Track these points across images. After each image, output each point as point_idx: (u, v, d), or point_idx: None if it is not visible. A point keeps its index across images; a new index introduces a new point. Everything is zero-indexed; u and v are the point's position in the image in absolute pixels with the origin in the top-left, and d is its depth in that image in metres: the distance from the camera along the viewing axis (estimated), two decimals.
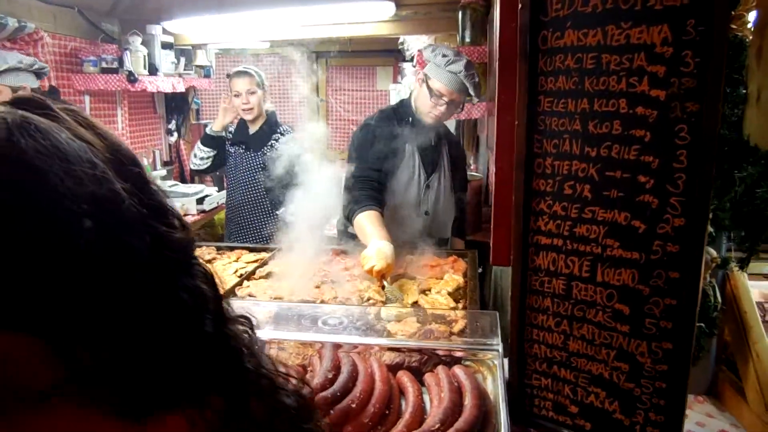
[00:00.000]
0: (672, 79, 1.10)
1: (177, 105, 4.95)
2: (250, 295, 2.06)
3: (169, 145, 4.92)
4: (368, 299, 2.03)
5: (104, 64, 3.63)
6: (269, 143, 3.22)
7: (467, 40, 3.64)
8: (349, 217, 2.42)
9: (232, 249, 2.63)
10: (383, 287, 2.06)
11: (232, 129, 3.34)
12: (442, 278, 2.27)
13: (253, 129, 3.26)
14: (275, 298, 2.04)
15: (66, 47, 3.59)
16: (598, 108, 1.19)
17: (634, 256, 1.20)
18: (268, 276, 2.28)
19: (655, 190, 1.15)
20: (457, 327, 1.70)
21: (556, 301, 1.32)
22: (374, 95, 6.58)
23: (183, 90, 4.15)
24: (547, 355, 1.39)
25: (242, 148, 3.26)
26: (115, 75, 3.63)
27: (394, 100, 5.62)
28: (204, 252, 2.57)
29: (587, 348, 1.31)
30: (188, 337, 0.53)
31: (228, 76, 3.19)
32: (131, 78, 3.52)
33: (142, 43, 3.73)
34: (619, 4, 1.13)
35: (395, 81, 6.07)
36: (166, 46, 3.95)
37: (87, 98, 3.77)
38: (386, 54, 6.32)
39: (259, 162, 3.20)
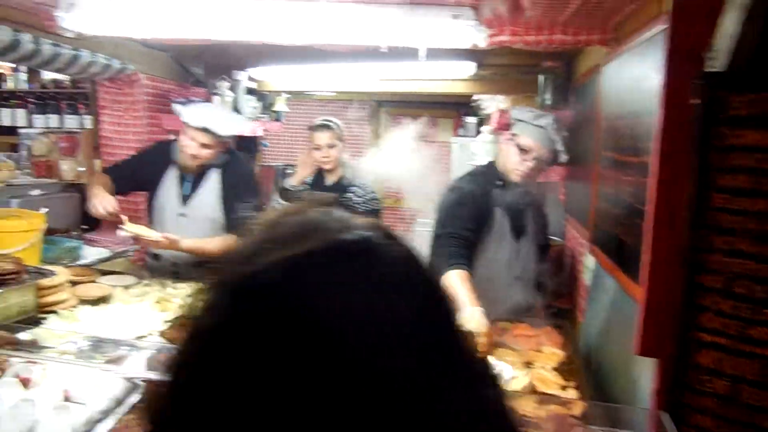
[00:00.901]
0: None
1: (246, 146, 5.06)
2: None
3: None
4: None
5: None
6: (346, 196, 3.21)
7: (547, 103, 3.67)
8: (437, 268, 2.40)
9: None
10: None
11: (309, 180, 3.35)
12: (539, 350, 2.23)
13: (330, 180, 3.28)
14: None
15: (159, 89, 3.72)
16: None
17: None
18: None
19: None
20: (577, 410, 1.65)
21: (718, 402, 1.27)
22: (434, 146, 6.62)
23: (262, 134, 4.24)
24: None
25: None
26: None
27: (456, 153, 5.72)
28: None
29: None
30: None
31: (310, 128, 3.24)
32: None
33: (228, 89, 3.85)
34: None
35: (456, 134, 6.12)
36: (249, 91, 4.07)
37: (172, 138, 3.87)
38: (448, 106, 6.40)
39: None
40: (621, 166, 2.10)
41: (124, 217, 2.66)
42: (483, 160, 3.94)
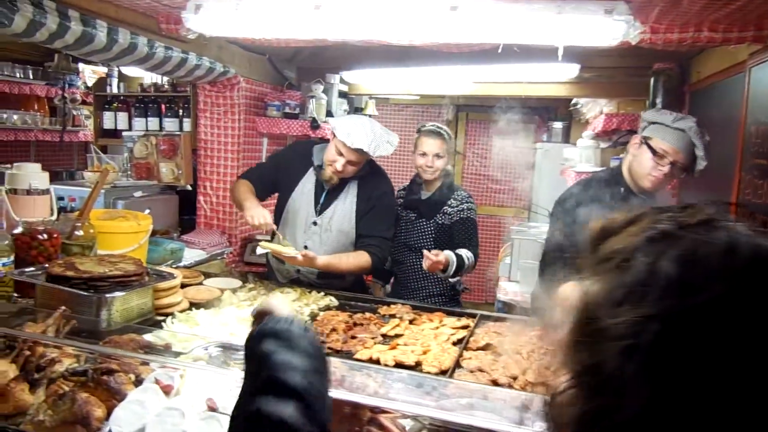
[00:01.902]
0: None
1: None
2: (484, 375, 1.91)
3: None
4: None
5: (287, 110, 3.73)
6: (442, 210, 2.97)
7: (660, 107, 3.45)
8: (551, 283, 2.25)
9: (431, 311, 2.52)
10: None
11: (402, 188, 3.19)
12: None
13: (427, 193, 3.03)
14: None
15: (255, 91, 3.73)
16: None
17: None
18: (486, 348, 2.14)
19: None
20: None
21: None
22: (513, 152, 6.45)
23: None
24: None
25: (414, 214, 3.02)
26: (296, 120, 3.72)
27: (539, 160, 5.52)
28: (401, 311, 2.48)
29: None
30: None
31: (418, 131, 3.01)
32: (314, 124, 3.59)
33: (322, 92, 3.82)
34: None
35: (538, 140, 5.92)
36: (341, 94, 4.04)
37: (265, 140, 3.88)
38: (529, 111, 6.21)
39: (431, 229, 2.98)
40: None
41: (276, 231, 2.72)
42: (583, 167, 3.78)
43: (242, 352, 1.63)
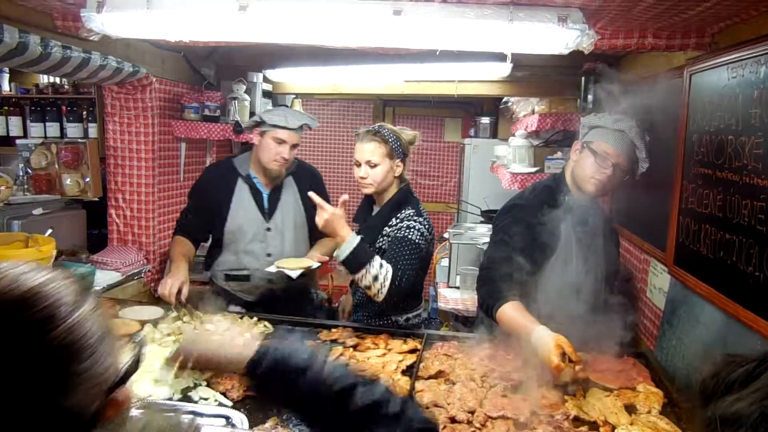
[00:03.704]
0: None
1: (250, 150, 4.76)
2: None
3: None
4: (573, 419, 1.76)
5: (207, 112, 3.43)
6: (383, 232, 2.50)
7: (590, 106, 3.45)
8: (490, 308, 2.16)
9: (375, 333, 2.36)
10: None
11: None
12: (633, 388, 2.00)
13: (376, 208, 2.62)
14: None
15: (170, 92, 3.40)
16: None
17: None
18: (438, 375, 2.01)
19: None
20: None
21: None
22: (441, 147, 6.40)
23: None
24: None
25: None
26: (216, 123, 3.43)
27: (468, 155, 5.48)
28: (343, 335, 2.31)
29: None
30: None
31: (357, 136, 2.55)
32: (237, 128, 3.32)
33: (245, 92, 3.54)
34: None
35: (466, 135, 5.88)
36: (264, 94, 3.77)
37: (183, 145, 3.56)
38: (455, 106, 6.17)
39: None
40: (722, 184, 1.89)
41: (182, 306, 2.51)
42: (518, 167, 3.73)
43: (170, 413, 1.40)
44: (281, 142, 2.66)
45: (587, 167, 2.31)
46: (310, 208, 2.63)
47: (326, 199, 2.54)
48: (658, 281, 2.54)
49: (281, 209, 2.84)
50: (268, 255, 2.77)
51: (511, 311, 2.06)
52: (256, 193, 2.83)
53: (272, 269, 2.57)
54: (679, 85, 2.31)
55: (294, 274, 2.53)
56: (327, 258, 2.75)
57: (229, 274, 2.87)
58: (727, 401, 0.53)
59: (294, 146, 2.72)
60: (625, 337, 2.51)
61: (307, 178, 2.90)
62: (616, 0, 1.56)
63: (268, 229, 2.81)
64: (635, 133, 2.26)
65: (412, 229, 2.42)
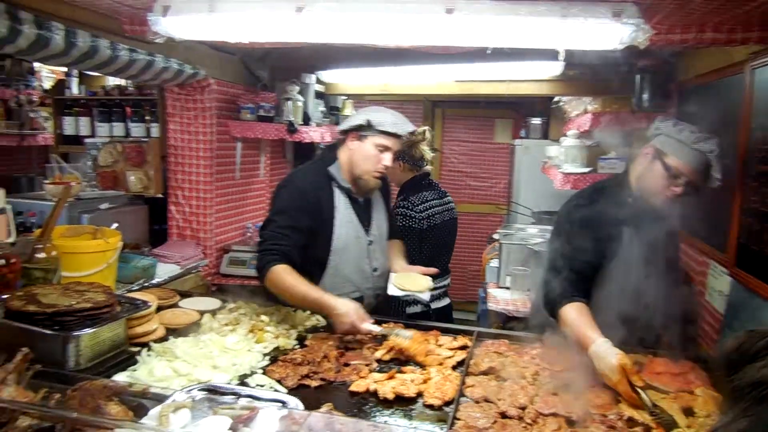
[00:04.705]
0: None
1: (303, 151, 4.86)
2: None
3: None
4: (627, 420, 1.73)
5: (262, 112, 3.54)
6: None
7: (645, 105, 3.38)
8: (553, 308, 2.14)
9: (425, 330, 2.37)
10: (641, 400, 1.76)
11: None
12: (691, 392, 1.95)
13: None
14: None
15: (227, 93, 3.52)
16: None
17: None
18: (489, 372, 2.01)
19: None
20: None
21: None
22: (491, 148, 6.37)
23: (330, 140, 4.02)
24: None
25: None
26: (271, 123, 3.53)
27: (519, 156, 5.43)
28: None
29: None
30: None
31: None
32: (291, 128, 3.41)
33: (298, 92, 3.63)
34: None
35: (516, 136, 5.83)
36: (317, 95, 3.86)
37: (239, 145, 3.68)
38: (506, 107, 6.13)
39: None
40: None
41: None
42: (570, 167, 3.68)
43: (230, 397, 1.45)
44: (385, 149, 2.34)
45: (658, 180, 2.18)
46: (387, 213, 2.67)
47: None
48: (718, 284, 2.46)
49: (376, 219, 2.57)
50: (374, 270, 2.52)
51: (573, 314, 2.03)
52: (354, 204, 2.48)
53: (398, 293, 2.31)
54: (739, 81, 2.24)
55: (426, 297, 2.32)
56: (436, 270, 2.52)
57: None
58: (754, 367, 0.56)
59: (395, 154, 2.44)
60: (683, 340, 2.46)
61: (384, 184, 2.66)
62: None
63: (370, 243, 2.51)
64: (715, 156, 2.12)
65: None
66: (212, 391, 1.59)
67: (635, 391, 1.80)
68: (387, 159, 2.35)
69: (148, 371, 1.82)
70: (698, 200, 2.69)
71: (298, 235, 2.28)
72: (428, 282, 2.37)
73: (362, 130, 2.36)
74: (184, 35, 2.01)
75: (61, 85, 4.39)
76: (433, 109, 6.36)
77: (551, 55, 3.25)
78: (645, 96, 3.38)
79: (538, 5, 1.57)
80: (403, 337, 2.08)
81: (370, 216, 2.54)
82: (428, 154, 3.11)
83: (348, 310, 2.09)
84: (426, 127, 3.03)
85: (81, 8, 2.24)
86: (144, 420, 1.39)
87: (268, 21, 1.83)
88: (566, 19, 1.59)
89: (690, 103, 3.03)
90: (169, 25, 1.95)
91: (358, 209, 2.49)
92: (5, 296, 1.90)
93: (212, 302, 2.53)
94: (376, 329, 2.12)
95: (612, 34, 1.73)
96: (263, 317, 2.36)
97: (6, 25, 1.94)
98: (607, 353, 1.87)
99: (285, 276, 2.18)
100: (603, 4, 1.59)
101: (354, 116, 2.46)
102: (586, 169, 3.50)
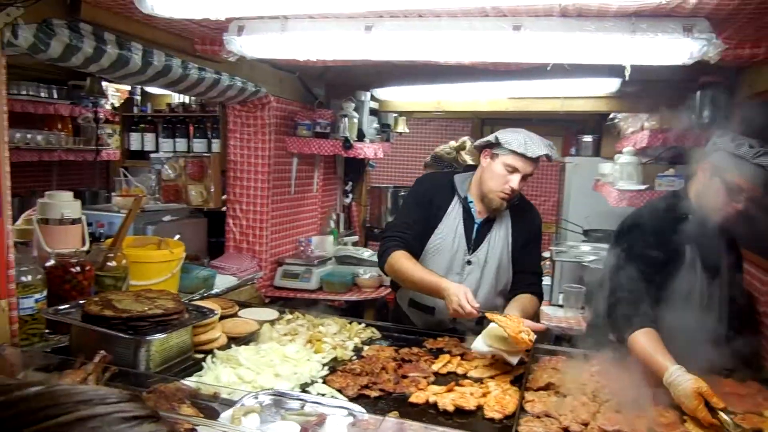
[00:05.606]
0: None
1: (353, 167, 4.94)
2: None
3: (344, 206, 4.89)
4: None
5: (318, 129, 3.63)
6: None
7: (705, 122, 3.30)
8: (622, 335, 2.09)
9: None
10: (723, 421, 1.71)
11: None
12: (759, 413, 1.89)
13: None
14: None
15: (285, 110, 3.63)
16: None
17: None
18: (547, 387, 1.99)
19: None
20: None
21: None
22: (541, 165, 6.28)
23: (382, 156, 4.09)
24: None
25: None
26: (327, 140, 3.61)
27: (569, 174, 5.37)
28: (449, 344, 2.34)
29: None
30: None
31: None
32: (347, 144, 3.48)
33: (354, 109, 3.71)
34: None
35: (566, 153, 5.77)
36: (371, 112, 3.93)
37: (295, 161, 3.78)
38: (556, 123, 6.08)
39: None
40: None
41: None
42: (625, 184, 3.62)
43: (297, 403, 1.49)
44: (513, 170, 2.29)
45: (717, 197, 2.13)
46: (520, 248, 2.49)
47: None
48: None
49: (489, 242, 2.47)
50: None
51: (644, 341, 1.98)
52: (467, 219, 2.46)
53: (484, 349, 2.13)
54: None
55: (515, 360, 2.09)
56: (543, 327, 2.33)
57: (415, 300, 2.58)
58: None
59: (525, 177, 2.33)
60: (750, 361, 2.38)
61: (525, 214, 2.53)
62: (748, 7, 1.52)
63: (469, 262, 2.46)
64: None
65: None
66: (279, 396, 1.63)
67: (715, 414, 1.75)
68: (514, 181, 2.30)
69: (215, 377, 1.88)
70: (760, 217, 2.61)
71: (421, 226, 2.45)
72: (523, 342, 2.03)
73: (493, 147, 2.36)
74: (255, 54, 2.10)
75: (128, 102, 4.61)
76: (482, 126, 6.37)
77: (610, 71, 3.26)
78: (705, 113, 3.31)
79: (605, 21, 1.58)
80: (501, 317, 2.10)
81: (483, 238, 2.47)
82: (470, 161, 3.11)
83: (458, 291, 2.15)
84: (466, 137, 3.03)
85: (159, 29, 2.37)
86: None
87: (337, 40, 1.89)
88: (635, 35, 1.59)
89: (751, 119, 2.95)
90: (242, 45, 2.04)
91: (469, 225, 2.46)
92: (82, 301, 2.01)
93: (270, 313, 2.60)
94: (477, 311, 2.13)
95: (682, 49, 1.72)
96: (321, 328, 2.41)
97: (92, 46, 2.06)
98: (681, 380, 1.82)
99: (404, 260, 2.32)
100: (673, 19, 1.58)
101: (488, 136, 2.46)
102: (643, 187, 3.44)
